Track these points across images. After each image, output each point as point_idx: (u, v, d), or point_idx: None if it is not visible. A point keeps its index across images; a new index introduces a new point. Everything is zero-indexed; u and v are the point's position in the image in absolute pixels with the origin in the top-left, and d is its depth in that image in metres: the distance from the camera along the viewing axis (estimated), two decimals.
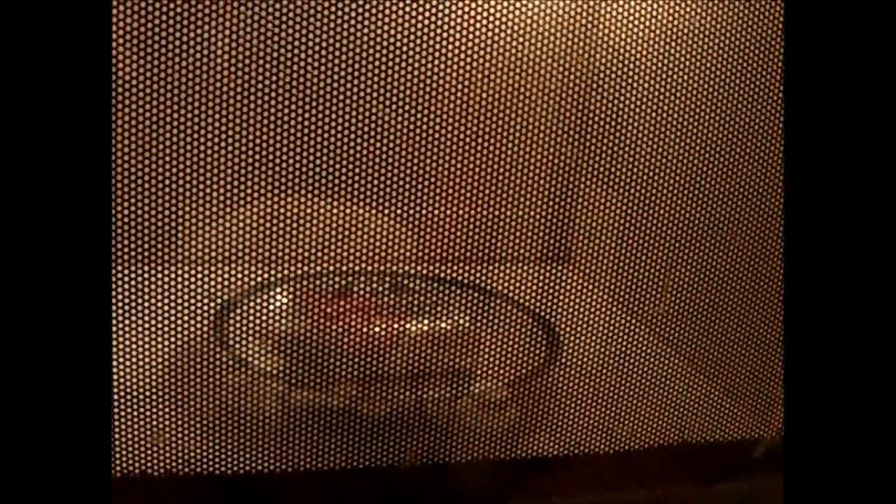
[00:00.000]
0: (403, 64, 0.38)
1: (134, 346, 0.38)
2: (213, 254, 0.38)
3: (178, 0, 0.34)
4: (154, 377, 0.39)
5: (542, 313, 0.46)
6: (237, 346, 0.43)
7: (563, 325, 0.45)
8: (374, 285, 0.50)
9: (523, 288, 0.44)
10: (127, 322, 0.38)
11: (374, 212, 0.40)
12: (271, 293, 0.46)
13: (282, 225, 0.38)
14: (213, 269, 0.38)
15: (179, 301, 0.38)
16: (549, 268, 0.44)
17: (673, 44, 0.42)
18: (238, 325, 0.43)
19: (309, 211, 0.38)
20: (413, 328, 0.48)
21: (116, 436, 0.38)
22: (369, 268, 0.44)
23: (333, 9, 0.36)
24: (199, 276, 0.38)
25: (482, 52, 0.39)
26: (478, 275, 0.43)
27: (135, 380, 0.38)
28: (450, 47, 0.38)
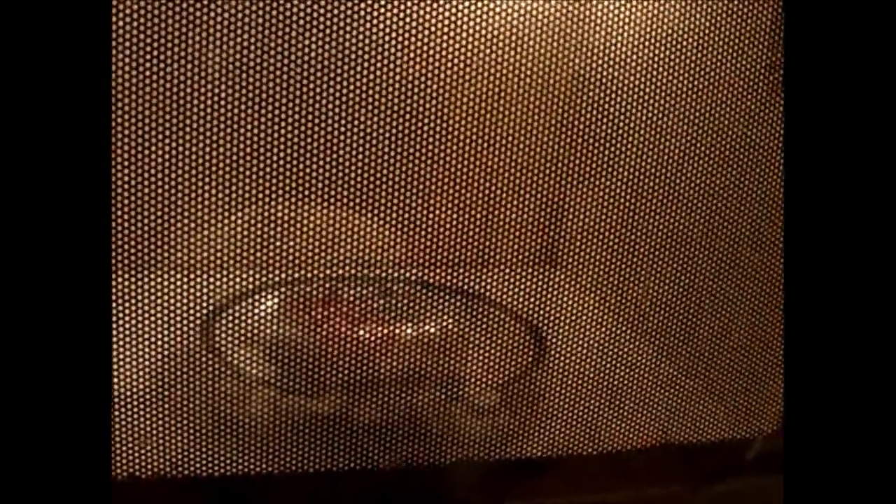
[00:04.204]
0: (391, 68, 0.38)
1: (123, 351, 0.38)
2: (202, 259, 0.38)
3: (174, 7, 0.34)
4: (143, 381, 0.39)
5: (530, 317, 0.46)
6: (225, 350, 0.43)
7: (550, 329, 0.45)
8: (362, 290, 0.50)
9: (511, 292, 0.44)
10: (116, 327, 0.37)
11: (361, 216, 0.40)
12: (259, 298, 0.46)
13: (269, 230, 0.38)
14: (201, 274, 0.38)
15: (168, 306, 0.38)
16: (536, 272, 0.44)
17: (664, 47, 0.42)
18: (226, 330, 0.43)
19: (296, 216, 0.38)
20: (401, 332, 0.48)
21: None
22: (357, 272, 0.44)
23: (323, 17, 0.36)
24: (188, 281, 0.38)
25: (471, 56, 0.39)
26: (465, 279, 0.43)
27: (123, 384, 0.38)
28: (438, 52, 0.38)
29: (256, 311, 0.46)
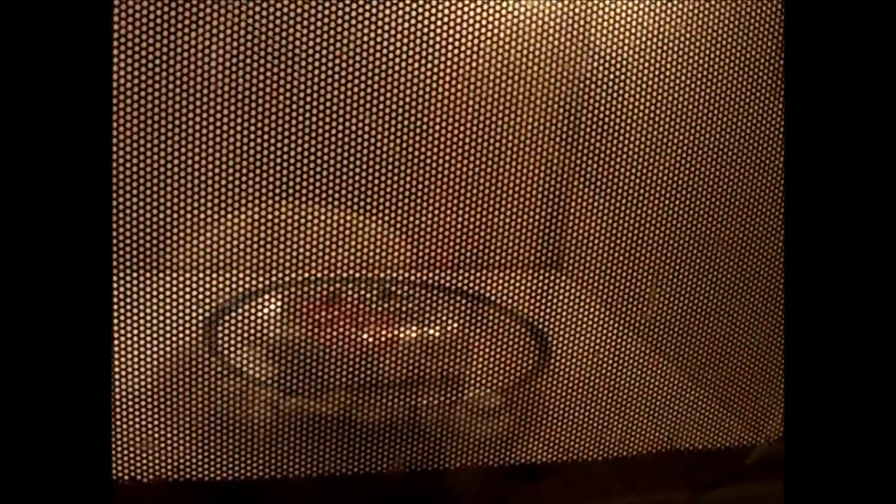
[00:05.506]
0: (394, 70, 0.38)
1: (124, 353, 0.38)
2: (204, 261, 0.38)
3: (174, 8, 0.34)
4: (145, 383, 0.38)
5: (533, 320, 0.46)
6: (228, 353, 0.42)
7: (554, 332, 0.45)
8: (365, 292, 0.50)
9: (515, 295, 0.44)
10: (118, 328, 0.37)
11: (365, 218, 0.40)
12: (262, 300, 0.46)
13: (272, 231, 0.38)
14: (203, 275, 0.38)
15: (171, 308, 0.38)
16: (540, 275, 0.44)
17: (666, 49, 0.42)
18: (229, 332, 0.43)
19: (299, 217, 0.38)
20: (404, 335, 0.48)
21: None
22: (360, 274, 0.44)
23: (325, 18, 0.36)
24: (190, 282, 0.38)
25: (473, 60, 0.39)
26: (469, 281, 0.43)
27: (125, 386, 0.38)
28: (441, 55, 0.38)
29: (259, 312, 0.46)
